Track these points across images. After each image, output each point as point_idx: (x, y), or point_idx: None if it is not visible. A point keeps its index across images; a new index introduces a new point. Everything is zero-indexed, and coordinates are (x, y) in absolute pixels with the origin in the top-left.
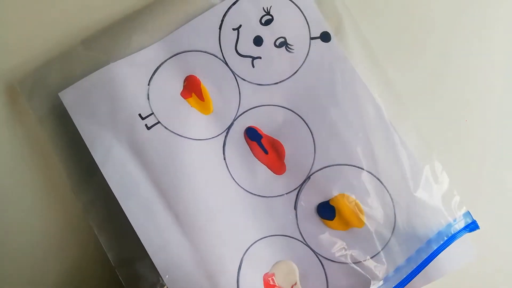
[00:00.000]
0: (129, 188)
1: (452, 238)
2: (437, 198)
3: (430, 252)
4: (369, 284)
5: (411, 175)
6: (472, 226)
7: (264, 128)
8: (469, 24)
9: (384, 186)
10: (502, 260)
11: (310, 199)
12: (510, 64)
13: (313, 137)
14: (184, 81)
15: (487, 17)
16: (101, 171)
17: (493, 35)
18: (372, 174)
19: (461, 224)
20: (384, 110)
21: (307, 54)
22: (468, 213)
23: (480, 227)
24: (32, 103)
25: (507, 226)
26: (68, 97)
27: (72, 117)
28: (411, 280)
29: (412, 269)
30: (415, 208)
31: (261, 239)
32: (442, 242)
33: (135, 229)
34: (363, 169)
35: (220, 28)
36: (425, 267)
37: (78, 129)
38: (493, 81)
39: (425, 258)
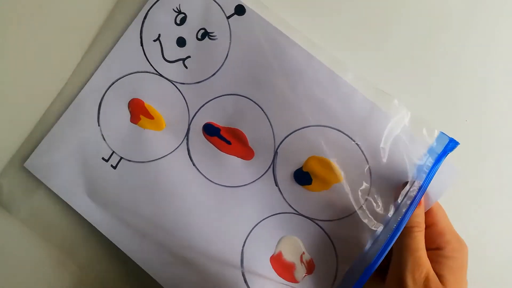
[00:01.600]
0: (118, 229)
1: (436, 164)
2: (405, 133)
3: (420, 185)
4: (371, 229)
5: (370, 117)
6: (451, 145)
7: (220, 121)
8: None
9: (347, 135)
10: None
11: (286, 172)
12: None
13: (265, 113)
14: (128, 107)
15: None
16: (88, 220)
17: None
18: (331, 127)
19: (439, 148)
20: (321, 59)
21: (230, 35)
22: (442, 134)
23: (459, 143)
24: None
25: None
26: (33, 166)
27: (45, 183)
28: (410, 215)
29: (408, 205)
30: (387, 148)
31: (255, 226)
32: (428, 171)
33: (137, 262)
34: (321, 125)
35: (142, 45)
36: (419, 200)
37: (54, 191)
38: None
39: (417, 192)
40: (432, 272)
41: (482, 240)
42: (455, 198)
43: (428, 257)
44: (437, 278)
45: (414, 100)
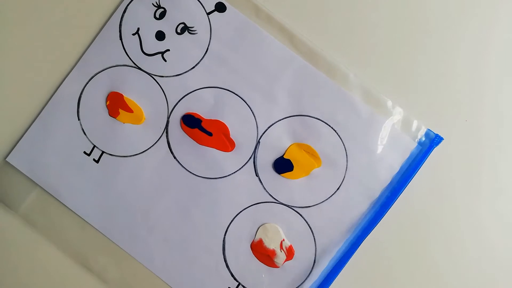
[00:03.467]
0: (108, 221)
1: (423, 158)
2: (387, 127)
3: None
4: (350, 212)
5: (341, 102)
6: (437, 140)
7: (201, 113)
8: None
9: (326, 123)
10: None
11: (267, 161)
12: None
13: (247, 104)
14: (107, 101)
15: None
16: (77, 213)
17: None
18: (312, 117)
19: (426, 143)
20: (300, 57)
21: (210, 30)
22: (429, 131)
23: (444, 138)
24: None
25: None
26: (16, 160)
27: (29, 176)
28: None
29: (389, 192)
30: (369, 137)
31: (237, 215)
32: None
33: (129, 252)
34: (302, 115)
35: (121, 39)
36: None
37: (39, 184)
38: None
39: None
40: None
41: (482, 239)
42: (455, 198)
43: None
44: None
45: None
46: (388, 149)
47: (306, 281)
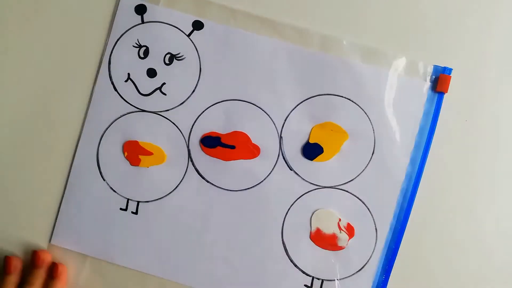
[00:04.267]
0: (168, 261)
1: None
2: (400, 79)
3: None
4: (393, 172)
5: (354, 73)
6: (447, 71)
7: (217, 130)
8: None
9: (340, 96)
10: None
11: (296, 152)
12: None
13: (257, 106)
14: (124, 152)
15: None
16: (135, 269)
17: None
18: (322, 94)
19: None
20: (289, 43)
21: (196, 50)
22: (436, 66)
23: (453, 68)
24: None
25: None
26: (60, 240)
27: (77, 250)
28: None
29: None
30: (385, 99)
31: (286, 214)
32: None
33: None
34: (311, 97)
35: (116, 89)
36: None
37: (89, 255)
38: None
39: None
40: None
41: (481, 239)
42: (454, 198)
43: None
44: None
45: None
46: (404, 97)
47: (374, 251)
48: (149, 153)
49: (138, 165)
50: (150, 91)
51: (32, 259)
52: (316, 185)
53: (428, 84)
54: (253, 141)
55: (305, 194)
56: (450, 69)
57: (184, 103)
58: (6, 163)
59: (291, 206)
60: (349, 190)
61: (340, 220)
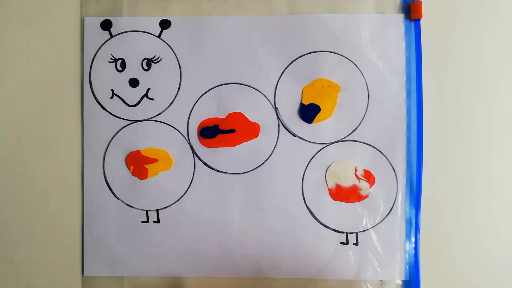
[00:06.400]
0: (201, 260)
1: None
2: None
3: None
4: (393, 108)
5: (328, 26)
6: None
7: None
8: None
9: (322, 51)
10: None
11: (294, 118)
12: None
13: (243, 84)
14: (129, 168)
15: None
16: (175, 276)
17: None
18: (304, 54)
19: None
20: (254, 16)
21: (171, 48)
22: None
23: None
24: None
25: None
26: (92, 271)
27: (112, 275)
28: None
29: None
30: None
31: (303, 180)
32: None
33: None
34: (296, 58)
35: (104, 109)
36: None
37: (124, 275)
38: None
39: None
40: None
41: (481, 239)
42: (453, 197)
43: None
44: None
45: None
46: (383, 34)
47: (398, 190)
48: (154, 160)
49: (146, 178)
50: (138, 100)
51: None
52: (323, 143)
53: (401, 15)
54: (250, 120)
55: (316, 155)
56: None
57: (173, 103)
58: (18, 208)
59: (305, 170)
60: (357, 139)
61: (356, 169)
